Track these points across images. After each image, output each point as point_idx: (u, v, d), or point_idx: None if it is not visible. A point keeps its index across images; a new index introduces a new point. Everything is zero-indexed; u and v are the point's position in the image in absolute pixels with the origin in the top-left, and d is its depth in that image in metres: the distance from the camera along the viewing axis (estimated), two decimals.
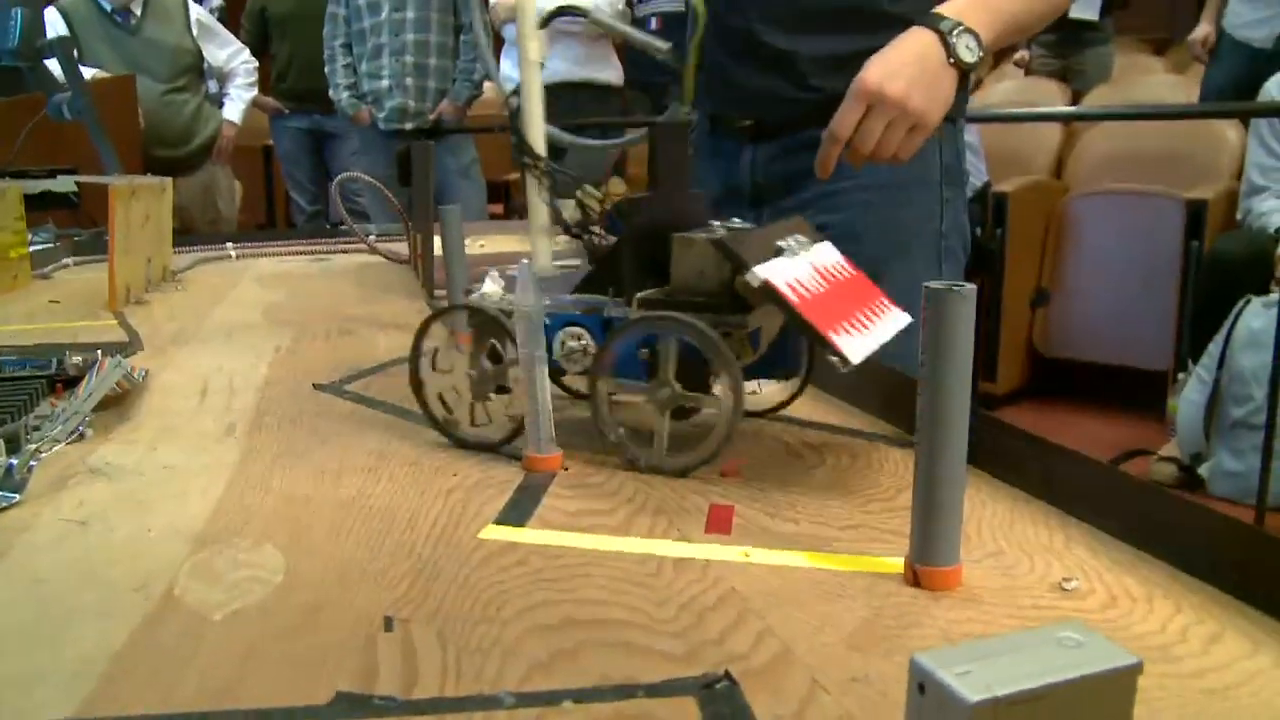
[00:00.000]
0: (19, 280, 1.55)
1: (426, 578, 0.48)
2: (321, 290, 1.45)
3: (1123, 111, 3.81)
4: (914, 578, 0.47)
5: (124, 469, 0.67)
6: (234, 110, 3.79)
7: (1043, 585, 0.47)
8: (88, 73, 2.87)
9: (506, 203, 5.03)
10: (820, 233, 1.25)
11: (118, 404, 0.81)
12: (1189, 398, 2.59)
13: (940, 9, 1.06)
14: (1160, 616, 0.44)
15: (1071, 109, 4.36)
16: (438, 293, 1.27)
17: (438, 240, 1.23)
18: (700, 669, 0.40)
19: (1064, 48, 5.36)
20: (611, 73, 3.83)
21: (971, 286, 0.44)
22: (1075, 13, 5.16)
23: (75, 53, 2.62)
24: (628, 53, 4.62)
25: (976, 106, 3.97)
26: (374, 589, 0.47)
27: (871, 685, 0.38)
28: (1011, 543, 0.52)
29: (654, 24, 4.25)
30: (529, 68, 0.69)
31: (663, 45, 0.73)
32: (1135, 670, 0.31)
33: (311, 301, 1.34)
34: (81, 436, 0.74)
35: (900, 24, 1.11)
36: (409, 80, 3.65)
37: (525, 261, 0.61)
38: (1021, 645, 0.32)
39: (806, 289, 0.61)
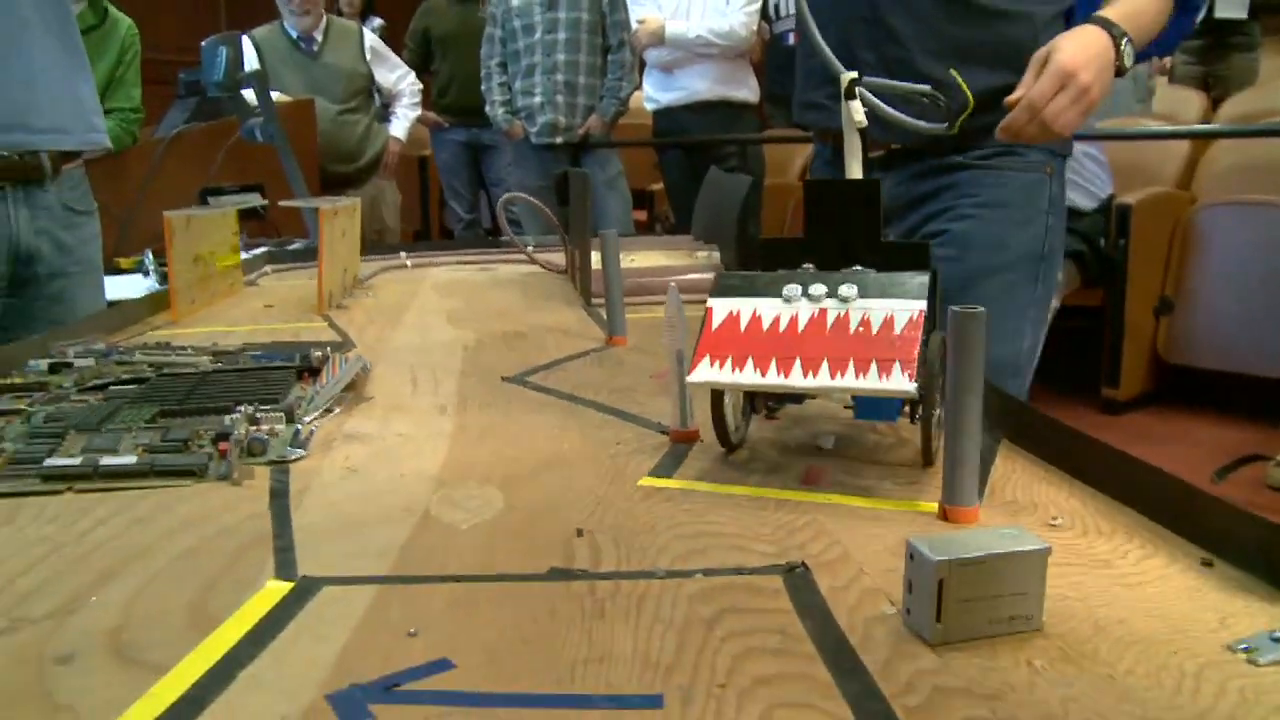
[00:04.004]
0: (234, 287, 1.81)
1: (603, 508, 0.70)
2: (492, 298, 1.69)
3: (1240, 130, 3.84)
4: (943, 514, 0.67)
5: (370, 435, 0.90)
6: (399, 128, 4.12)
7: (1037, 523, 0.67)
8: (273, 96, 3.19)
9: (650, 210, 5.26)
10: (937, 238, 1.41)
11: (353, 388, 1.04)
12: None
13: (1106, 16, 1.26)
14: (1114, 543, 0.63)
15: (1171, 128, 4.32)
16: (595, 300, 1.49)
17: (594, 254, 1.46)
18: (785, 561, 0.60)
19: (1209, 53, 5.31)
20: (747, 91, 4.03)
21: (982, 310, 0.63)
22: (1221, 12, 5.10)
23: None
24: (767, 63, 4.82)
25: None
26: (568, 513, 0.69)
27: (898, 574, 0.58)
28: (1026, 497, 0.72)
29: (791, 39, 4.43)
30: (850, 130, 0.86)
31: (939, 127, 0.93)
32: (1045, 552, 0.51)
33: (485, 307, 1.57)
34: (330, 412, 0.97)
35: None
36: (559, 97, 3.91)
37: (673, 284, 0.82)
38: (978, 536, 0.51)
39: (739, 325, 0.74)
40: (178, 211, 1.52)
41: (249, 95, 2.84)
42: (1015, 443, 0.82)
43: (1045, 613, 0.52)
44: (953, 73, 1.10)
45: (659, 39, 3.95)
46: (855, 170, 0.87)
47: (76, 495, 0.75)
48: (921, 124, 0.95)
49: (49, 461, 0.79)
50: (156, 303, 1.57)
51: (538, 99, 3.95)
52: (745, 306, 0.75)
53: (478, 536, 0.66)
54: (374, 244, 2.83)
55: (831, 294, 0.73)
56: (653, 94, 4.18)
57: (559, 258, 1.96)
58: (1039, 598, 0.51)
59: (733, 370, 0.72)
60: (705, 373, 0.73)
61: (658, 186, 4.97)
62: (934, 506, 0.68)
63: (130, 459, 0.79)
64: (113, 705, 0.46)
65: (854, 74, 0.87)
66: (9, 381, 1.05)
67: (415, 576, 0.60)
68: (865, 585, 0.57)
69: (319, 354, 1.10)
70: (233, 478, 0.78)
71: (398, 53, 4.46)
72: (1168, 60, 5.28)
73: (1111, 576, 0.59)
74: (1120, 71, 1.25)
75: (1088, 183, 3.47)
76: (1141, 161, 3.97)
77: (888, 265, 0.75)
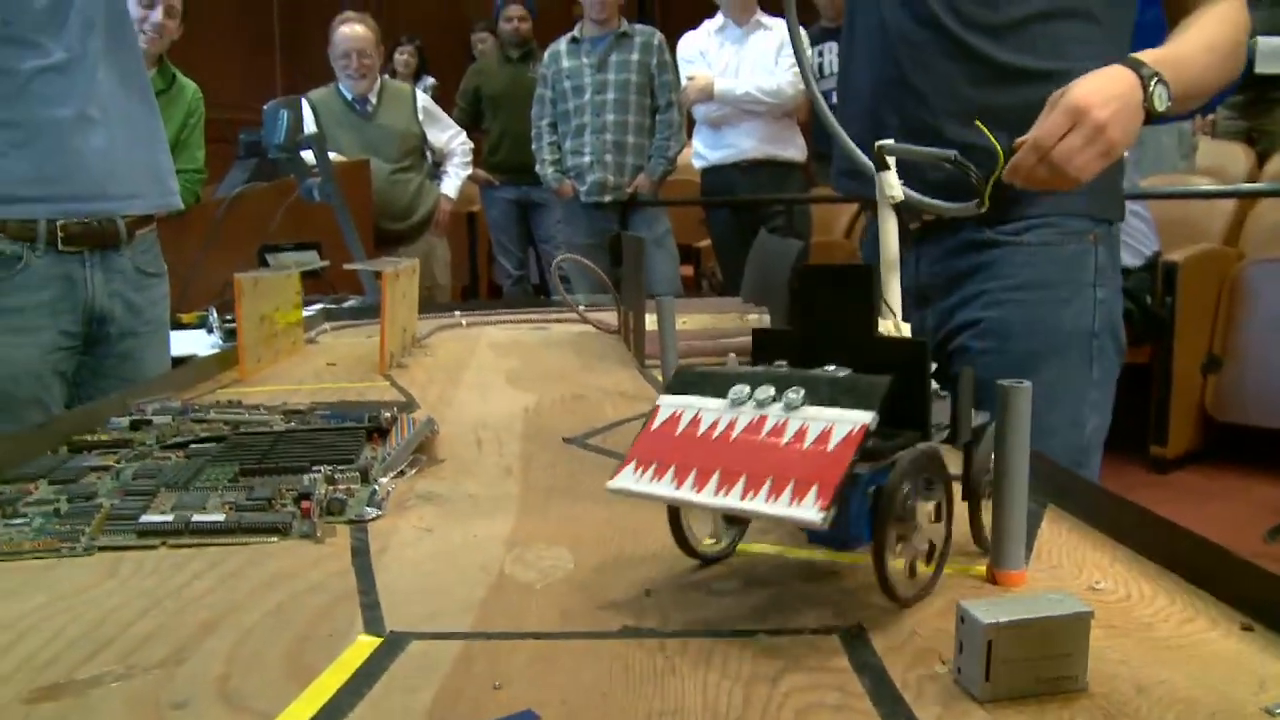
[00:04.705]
0: (296, 345, 1.87)
1: (667, 567, 0.74)
2: (548, 358, 1.74)
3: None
4: (992, 578, 0.70)
5: (442, 496, 0.94)
6: (451, 186, 4.22)
7: (1081, 586, 0.70)
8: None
9: (697, 266, 5.33)
10: (973, 328, 1.37)
11: (423, 449, 1.09)
12: None
13: (1137, 56, 1.17)
14: (1156, 607, 0.67)
15: (1217, 187, 4.28)
16: (649, 362, 1.54)
17: (647, 316, 1.50)
18: (843, 622, 0.64)
19: (1251, 108, 5.32)
20: (795, 150, 4.10)
21: (1027, 384, 0.67)
22: (1262, 68, 5.10)
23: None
24: (814, 123, 4.87)
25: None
26: (634, 573, 0.73)
27: (948, 634, 0.61)
28: (1070, 561, 0.75)
29: (835, 98, 4.48)
30: (884, 204, 0.83)
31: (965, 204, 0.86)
32: (1088, 616, 0.54)
33: (543, 368, 1.62)
34: (402, 474, 1.02)
35: None
36: (608, 157, 4.01)
37: (732, 355, 0.86)
38: (1025, 600, 0.55)
39: (676, 427, 0.66)
40: (247, 274, 1.58)
41: (308, 156, 2.94)
42: (1059, 506, 0.86)
43: (1089, 673, 0.55)
44: (978, 124, 1.02)
45: (708, 95, 4.04)
46: (891, 245, 0.84)
47: (170, 550, 0.80)
48: (950, 206, 0.89)
49: (144, 518, 0.84)
50: (225, 360, 1.63)
51: (587, 158, 4.04)
52: (690, 407, 0.67)
53: (551, 595, 0.70)
54: (426, 301, 2.90)
55: (778, 398, 0.64)
56: (701, 151, 4.27)
57: (610, 317, 2.01)
58: (1083, 659, 0.55)
59: (653, 479, 0.64)
60: (625, 480, 0.66)
61: (704, 243, 5.05)
62: (983, 570, 0.72)
63: (219, 516, 0.84)
64: None
65: (888, 141, 0.84)
66: (95, 439, 1.11)
67: (497, 633, 0.64)
68: (918, 645, 0.61)
69: (388, 415, 1.15)
70: (316, 536, 0.82)
71: (448, 111, 4.57)
72: (1210, 117, 5.31)
73: (1153, 639, 0.62)
74: (1150, 114, 1.14)
75: (1135, 240, 3.49)
76: (1188, 218, 3.99)
77: (876, 363, 0.65)
